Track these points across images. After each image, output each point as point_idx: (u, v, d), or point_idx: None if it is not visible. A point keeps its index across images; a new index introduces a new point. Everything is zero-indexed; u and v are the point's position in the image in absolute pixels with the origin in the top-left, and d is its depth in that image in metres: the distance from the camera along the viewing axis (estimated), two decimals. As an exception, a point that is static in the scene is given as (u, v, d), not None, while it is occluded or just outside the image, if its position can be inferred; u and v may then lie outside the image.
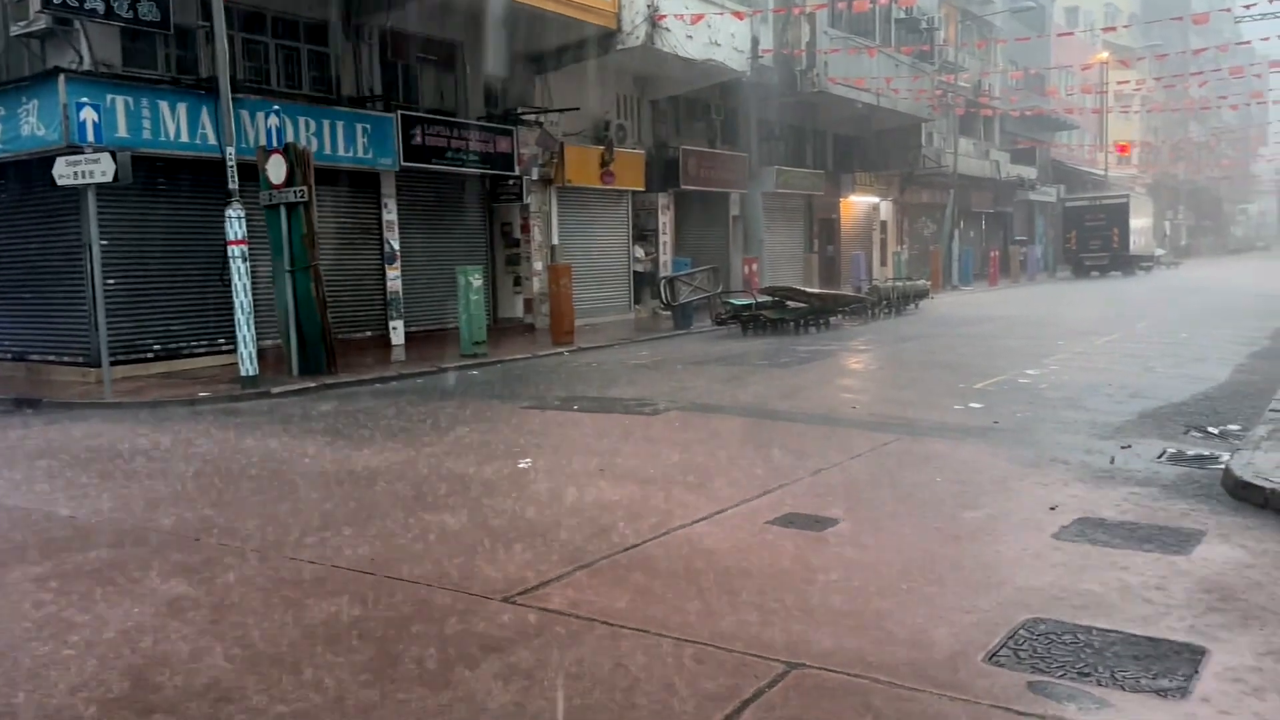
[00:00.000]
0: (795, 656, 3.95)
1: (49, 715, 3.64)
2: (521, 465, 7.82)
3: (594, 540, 5.67)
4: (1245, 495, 6.24)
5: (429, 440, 9.00)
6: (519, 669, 3.94)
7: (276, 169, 13.02)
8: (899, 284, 24.43)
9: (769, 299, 19.77)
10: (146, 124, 13.28)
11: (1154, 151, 60.54)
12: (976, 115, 39.61)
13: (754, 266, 23.89)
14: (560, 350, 16.39)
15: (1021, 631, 4.15)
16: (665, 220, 23.43)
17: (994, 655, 3.93)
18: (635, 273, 22.91)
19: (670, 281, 20.39)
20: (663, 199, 23.25)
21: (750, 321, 19.10)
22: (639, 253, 22.75)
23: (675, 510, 6.27)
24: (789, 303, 19.77)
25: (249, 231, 12.46)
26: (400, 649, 4.18)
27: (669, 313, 20.51)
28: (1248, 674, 3.74)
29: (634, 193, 22.53)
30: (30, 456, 8.85)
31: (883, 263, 33.44)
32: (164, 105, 13.49)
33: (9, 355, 14.70)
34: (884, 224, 34.89)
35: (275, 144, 13.33)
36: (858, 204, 32.65)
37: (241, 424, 10.23)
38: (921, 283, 25.86)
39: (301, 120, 15.03)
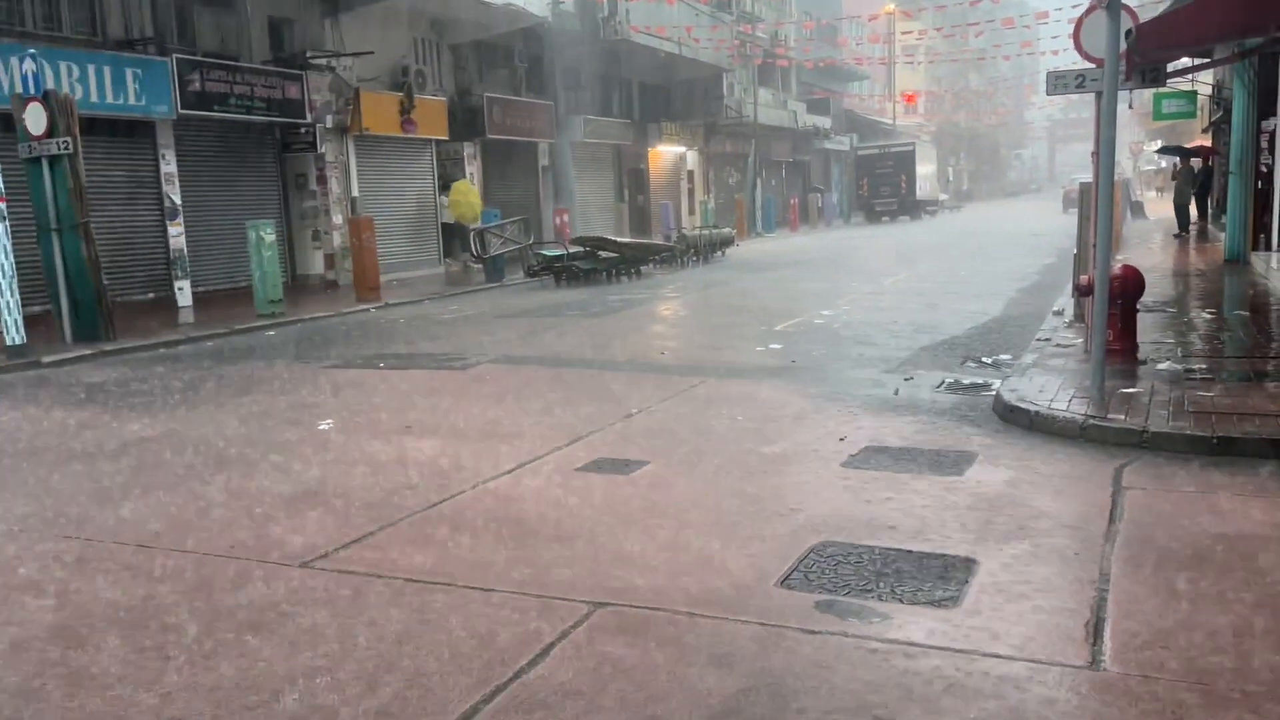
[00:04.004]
0: (600, 596, 4.01)
1: None
2: (322, 427, 7.54)
3: (398, 499, 5.55)
4: (1013, 419, 6.79)
5: (220, 406, 8.53)
6: (316, 633, 3.81)
7: (35, 119, 11.86)
8: (706, 232, 24.96)
9: (580, 249, 19.79)
10: (-128, 67, 11.80)
11: (938, 100, 64.21)
12: (774, 66, 40.73)
13: (565, 217, 23.83)
14: (366, 307, 15.87)
15: (811, 555, 4.38)
16: (472, 170, 22.97)
17: (785, 579, 4.13)
18: (444, 225, 22.39)
19: (480, 234, 20.05)
20: (468, 148, 22.75)
21: (562, 272, 19.08)
22: (446, 201, 22.17)
23: (485, 464, 6.22)
24: (600, 253, 19.87)
25: (8, 187, 11.32)
26: (187, 622, 3.96)
27: (480, 266, 20.20)
28: (1012, 581, 4.08)
29: (437, 142, 21.93)
30: None
31: (691, 211, 34.10)
32: (-107, 46, 12.01)
33: None
34: (691, 174, 35.51)
35: (33, 91, 12.10)
36: (665, 154, 33.04)
37: (7, 397, 9.37)
38: (727, 230, 26.55)
39: (63, 65, 13.74)
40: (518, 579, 4.26)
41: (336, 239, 19.00)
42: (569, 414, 7.66)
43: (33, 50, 12.55)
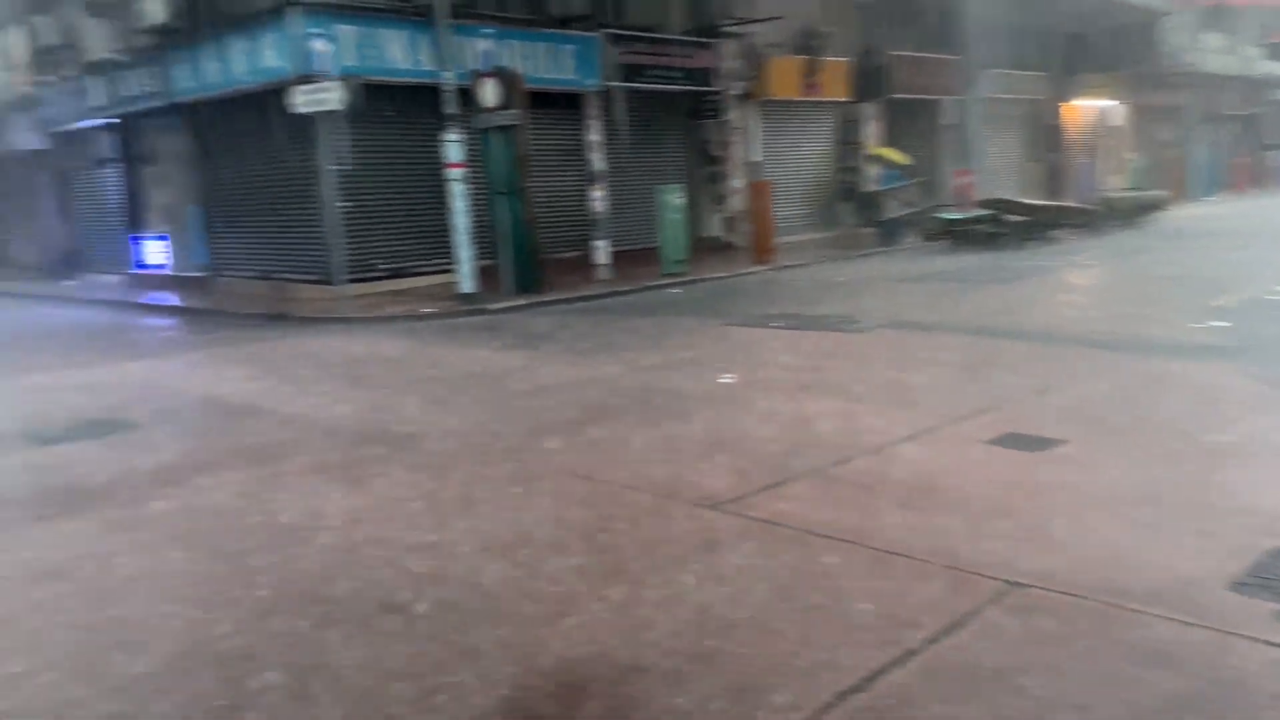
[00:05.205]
0: (1015, 576, 3.81)
1: (288, 598, 4.04)
2: (724, 380, 7.86)
3: (799, 454, 5.65)
4: None
5: (633, 355, 9.19)
6: (725, 573, 4.01)
7: (489, 93, 13.40)
8: (1132, 195, 22.57)
9: (984, 212, 18.79)
10: (372, 52, 13.95)
11: None
12: (1225, 7, 35.46)
13: (969, 178, 22.68)
14: (761, 268, 16.26)
15: (1272, 560, 3.83)
16: (872, 131, 22.54)
17: (1238, 583, 3.65)
18: (845, 188, 22.15)
19: (877, 196, 19.70)
20: (870, 109, 22.34)
21: (963, 236, 18.23)
22: (872, 170, 21.25)
23: (885, 427, 6.14)
24: (1007, 216, 18.71)
25: (466, 155, 12.95)
26: (609, 548, 4.35)
27: (875, 229, 19.88)
28: None
29: (839, 104, 21.78)
30: (281, 366, 9.72)
31: (1114, 172, 30.92)
32: (386, 33, 14.11)
33: (256, 274, 16.07)
34: (1115, 130, 32.14)
35: (488, 68, 13.70)
36: (1085, 108, 30.19)
37: (461, 338, 10.80)
38: (1157, 193, 23.78)
39: (512, 44, 15.34)
40: (924, 547, 4.17)
41: (736, 202, 19.59)
42: (973, 384, 7.34)
43: (489, 30, 14.18)
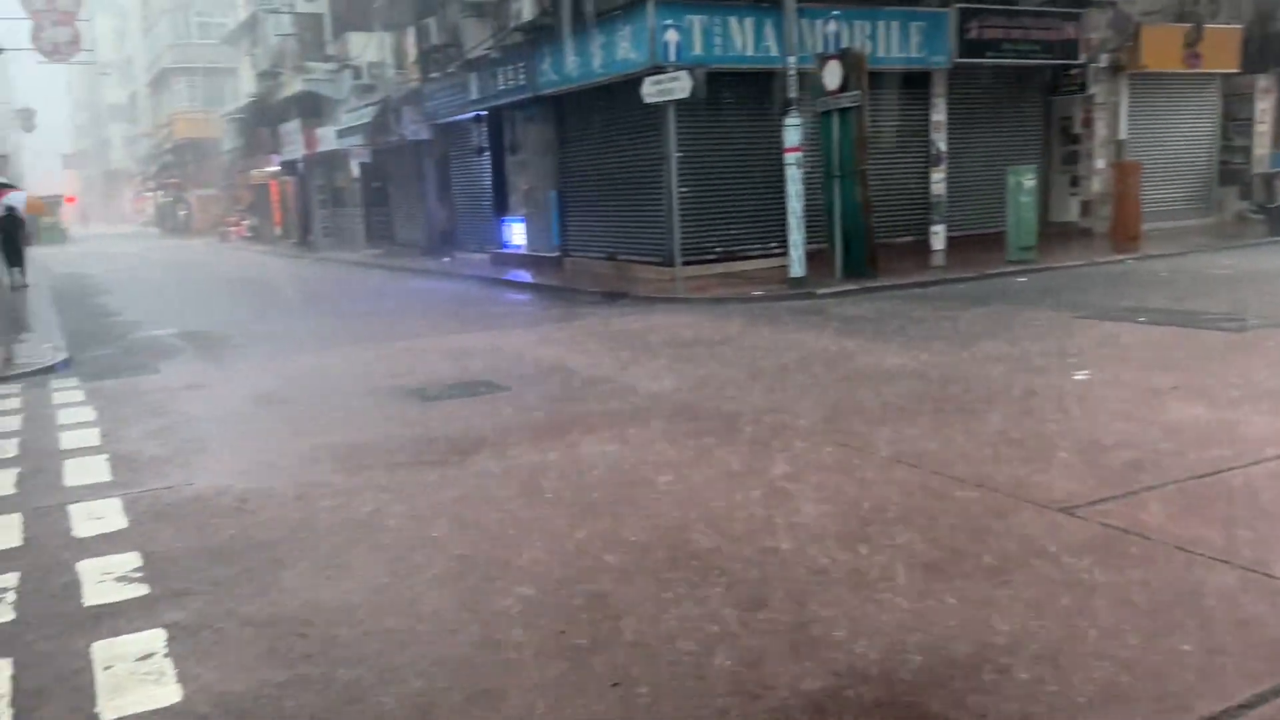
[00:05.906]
0: None
1: (644, 555, 4.32)
2: (1077, 377, 7.35)
3: (1163, 461, 5.17)
4: None
5: (970, 345, 8.82)
6: (1076, 580, 3.78)
7: (832, 75, 13.32)
8: None
9: None
10: (718, 41, 14.34)
11: None
12: None
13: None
14: (1122, 258, 14.91)
15: None
16: (1264, 107, 19.84)
17: None
18: (1228, 170, 19.69)
19: (1268, 180, 17.36)
20: (1262, 82, 19.66)
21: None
22: None
23: (1269, 438, 5.47)
24: None
25: (803, 138, 12.98)
26: (946, 542, 4.24)
27: (1264, 216, 17.54)
28: None
29: (1225, 75, 19.38)
30: (621, 341, 10.34)
31: None
32: (733, 21, 14.43)
33: (602, 255, 17.15)
34: None
35: (832, 50, 13.60)
36: None
37: (789, 321, 10.90)
38: None
39: (857, 24, 15.12)
40: (1316, 575, 3.70)
41: (1095, 184, 18.08)
42: (1388, 397, 6.33)
43: (836, 12, 14.05)
